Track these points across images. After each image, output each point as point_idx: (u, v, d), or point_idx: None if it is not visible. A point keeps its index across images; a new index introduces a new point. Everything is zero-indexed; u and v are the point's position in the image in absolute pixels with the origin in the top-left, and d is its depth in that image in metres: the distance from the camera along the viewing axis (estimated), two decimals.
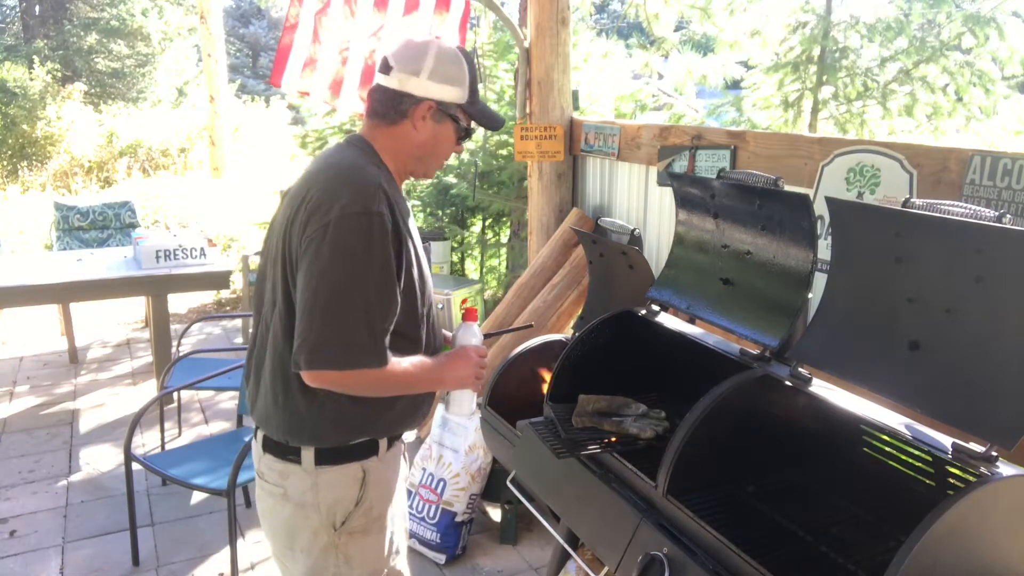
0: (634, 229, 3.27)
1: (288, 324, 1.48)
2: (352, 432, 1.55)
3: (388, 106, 1.55)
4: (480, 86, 5.55)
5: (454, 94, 1.56)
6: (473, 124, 1.64)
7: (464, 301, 1.70)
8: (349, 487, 1.56)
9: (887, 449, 1.66)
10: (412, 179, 1.70)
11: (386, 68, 1.55)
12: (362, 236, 1.40)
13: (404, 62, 1.54)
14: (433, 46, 1.55)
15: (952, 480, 1.49)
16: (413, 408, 1.63)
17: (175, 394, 4.08)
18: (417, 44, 1.56)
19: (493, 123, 1.67)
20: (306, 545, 1.57)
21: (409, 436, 2.86)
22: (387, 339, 1.44)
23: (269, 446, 1.58)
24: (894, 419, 1.48)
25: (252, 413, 1.63)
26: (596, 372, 2.11)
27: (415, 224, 1.63)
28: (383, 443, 1.60)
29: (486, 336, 1.75)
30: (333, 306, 1.39)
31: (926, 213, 1.41)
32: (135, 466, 2.80)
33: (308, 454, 1.53)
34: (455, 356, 1.62)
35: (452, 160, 5.82)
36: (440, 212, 5.91)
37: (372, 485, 1.58)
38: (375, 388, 1.49)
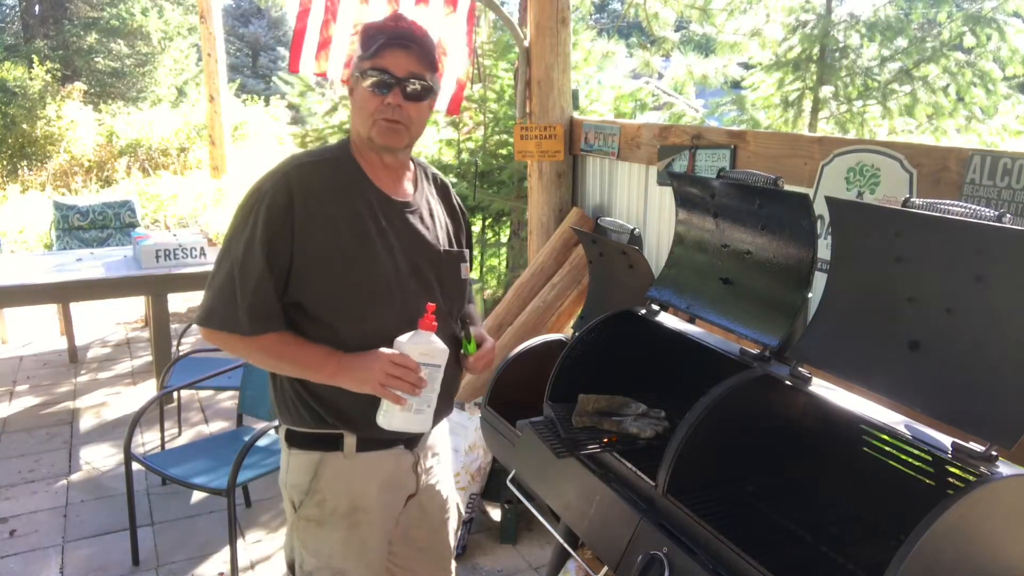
0: (634, 229, 3.27)
1: None
2: (311, 419, 1.57)
3: None
4: (480, 85, 5.54)
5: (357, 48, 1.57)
6: (384, 65, 1.49)
7: (433, 307, 1.59)
8: (305, 473, 1.61)
9: (887, 449, 1.65)
10: (389, 148, 1.56)
11: None
12: (244, 210, 1.50)
13: None
14: None
15: (952, 480, 1.49)
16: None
17: (175, 394, 4.08)
18: None
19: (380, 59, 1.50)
20: (286, 516, 1.69)
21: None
22: (261, 311, 1.47)
23: None
24: (894, 419, 1.47)
25: None
26: (596, 372, 2.11)
27: (389, 209, 1.56)
28: (350, 441, 1.58)
29: None
30: (214, 270, 1.52)
31: (926, 213, 1.40)
32: (135, 466, 2.80)
33: (282, 432, 1.64)
34: (365, 355, 1.49)
35: (452, 160, 5.82)
36: None
37: (326, 478, 1.59)
38: (251, 356, 1.54)
